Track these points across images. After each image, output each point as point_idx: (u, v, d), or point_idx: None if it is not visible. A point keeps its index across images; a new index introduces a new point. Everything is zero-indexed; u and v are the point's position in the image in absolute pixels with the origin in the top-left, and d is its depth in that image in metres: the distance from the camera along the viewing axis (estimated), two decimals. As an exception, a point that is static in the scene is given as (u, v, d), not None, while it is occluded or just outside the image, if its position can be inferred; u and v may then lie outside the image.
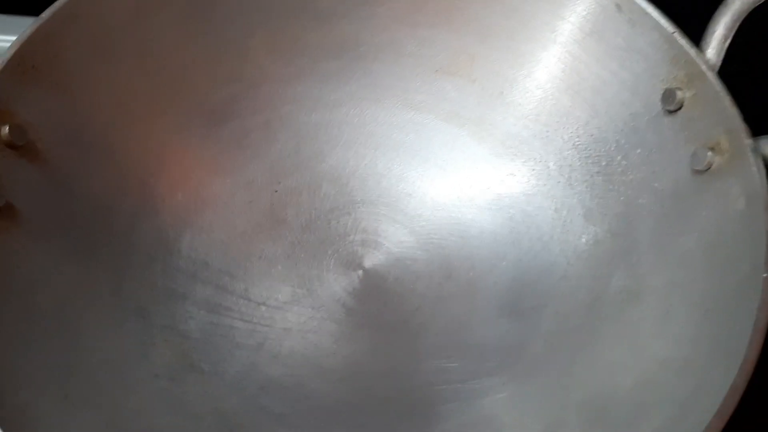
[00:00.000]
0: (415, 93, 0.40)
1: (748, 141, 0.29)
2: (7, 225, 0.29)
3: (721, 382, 0.24)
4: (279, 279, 0.37)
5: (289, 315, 0.35)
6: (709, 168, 0.30)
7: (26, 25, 0.30)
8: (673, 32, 0.32)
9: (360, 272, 0.37)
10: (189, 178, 0.37)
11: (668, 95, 0.32)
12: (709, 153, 0.30)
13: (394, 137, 0.40)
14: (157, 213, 0.35)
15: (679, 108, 0.32)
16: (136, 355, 0.31)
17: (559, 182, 0.37)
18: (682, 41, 0.32)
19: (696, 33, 0.32)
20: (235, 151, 0.38)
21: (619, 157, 0.35)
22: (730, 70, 0.31)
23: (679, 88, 0.32)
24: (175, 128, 0.36)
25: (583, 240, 0.35)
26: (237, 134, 0.38)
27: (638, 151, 0.34)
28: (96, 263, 0.32)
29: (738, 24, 0.31)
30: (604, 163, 0.35)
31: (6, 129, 0.29)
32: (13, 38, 0.30)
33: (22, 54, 0.30)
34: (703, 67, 0.31)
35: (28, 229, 0.29)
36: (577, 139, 0.36)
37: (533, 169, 0.38)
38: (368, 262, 0.37)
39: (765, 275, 0.26)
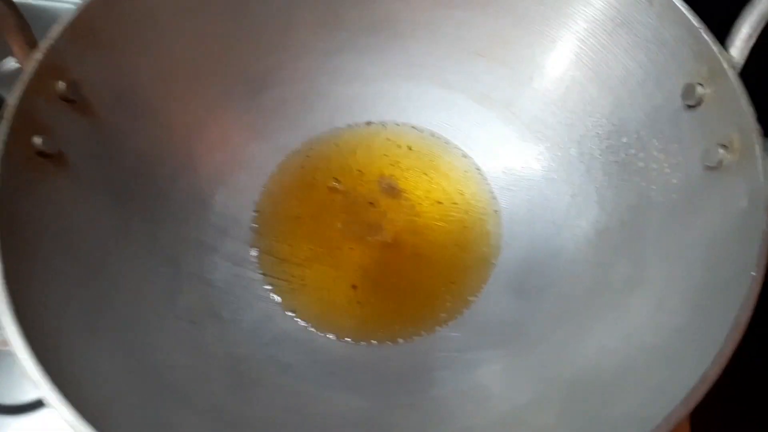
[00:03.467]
0: (449, 73, 0.41)
1: (758, 140, 0.29)
2: (57, 171, 0.32)
3: (693, 373, 0.25)
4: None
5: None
6: (720, 165, 0.30)
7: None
8: (699, 28, 0.32)
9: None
10: (227, 141, 0.40)
11: (688, 90, 0.32)
12: (721, 150, 0.30)
13: (425, 114, 0.42)
14: (195, 171, 0.38)
15: (699, 104, 0.32)
16: (163, 298, 0.34)
17: (578, 169, 0.38)
18: (707, 37, 0.32)
19: (724, 31, 0.32)
20: (273, 118, 0.41)
21: (637, 149, 0.35)
22: (752, 70, 0.31)
23: (700, 84, 0.32)
24: (218, 94, 0.39)
25: (594, 227, 0.36)
26: (275, 102, 0.41)
27: (656, 143, 0.34)
28: (135, 212, 0.35)
29: (763, 24, 0.31)
30: (623, 154, 0.36)
31: (63, 84, 0.32)
32: (78, 1, 0.33)
33: (82, 17, 0.33)
34: (725, 65, 0.31)
35: (76, 177, 0.33)
36: (600, 128, 0.37)
37: (556, 155, 0.39)
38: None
39: (753, 274, 0.26)
